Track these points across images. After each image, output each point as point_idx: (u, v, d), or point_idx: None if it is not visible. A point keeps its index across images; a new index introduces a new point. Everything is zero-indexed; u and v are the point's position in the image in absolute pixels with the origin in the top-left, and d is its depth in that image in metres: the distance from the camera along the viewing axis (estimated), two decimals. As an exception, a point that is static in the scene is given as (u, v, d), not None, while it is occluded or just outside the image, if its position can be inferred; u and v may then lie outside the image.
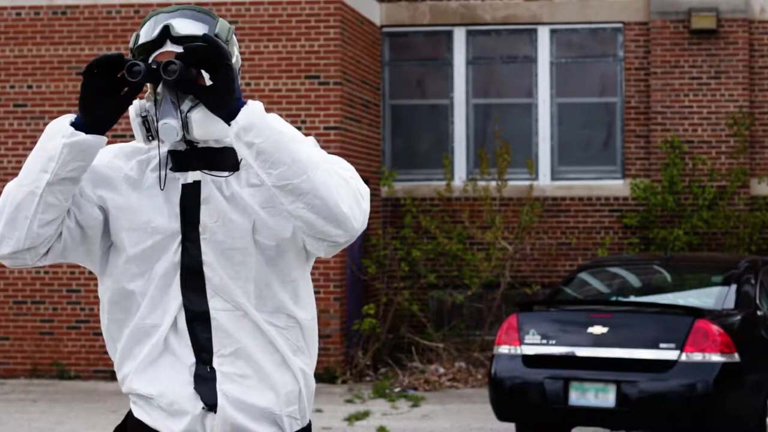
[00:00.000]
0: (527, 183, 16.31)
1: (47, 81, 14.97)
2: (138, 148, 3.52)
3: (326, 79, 14.61)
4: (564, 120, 16.77)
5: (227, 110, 3.29)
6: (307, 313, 3.54)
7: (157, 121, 3.35)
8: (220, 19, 3.47)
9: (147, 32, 3.42)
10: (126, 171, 3.48)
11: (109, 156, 3.50)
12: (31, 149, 15.25)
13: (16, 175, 15.90)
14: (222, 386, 3.41)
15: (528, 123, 16.80)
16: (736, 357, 9.46)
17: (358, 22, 15.64)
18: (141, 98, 3.43)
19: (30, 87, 14.99)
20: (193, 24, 3.42)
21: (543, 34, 16.73)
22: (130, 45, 3.47)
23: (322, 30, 14.64)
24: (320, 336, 14.55)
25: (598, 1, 16.65)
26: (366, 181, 15.70)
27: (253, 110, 3.28)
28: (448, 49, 16.93)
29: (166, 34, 3.38)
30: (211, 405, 3.40)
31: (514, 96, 16.95)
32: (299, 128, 13.80)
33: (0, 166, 15.04)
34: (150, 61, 3.35)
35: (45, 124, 14.88)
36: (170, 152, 3.47)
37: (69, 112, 14.89)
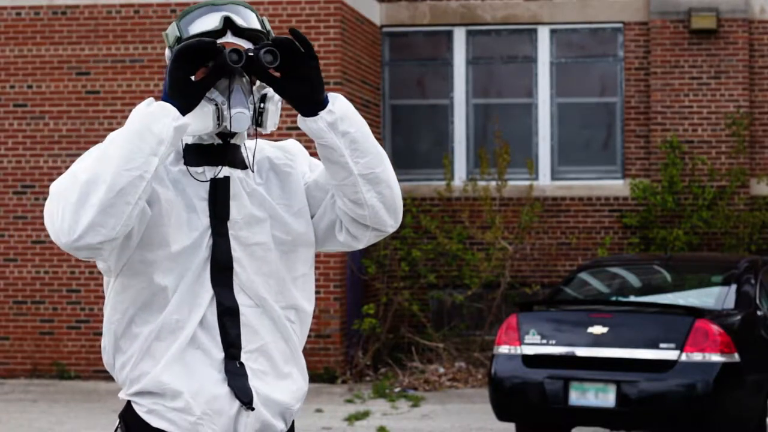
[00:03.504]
0: (527, 183, 16.30)
1: (47, 81, 14.96)
2: None
3: (326, 79, 14.60)
4: (564, 120, 16.77)
5: (317, 102, 3.37)
6: (311, 306, 3.57)
7: (230, 110, 3.34)
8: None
9: (201, 22, 3.39)
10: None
11: None
12: (31, 149, 15.34)
13: (15, 175, 15.74)
14: (252, 383, 3.40)
15: (528, 123, 16.79)
16: (736, 357, 9.46)
17: (358, 22, 15.64)
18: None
19: (30, 87, 14.99)
20: (244, 19, 3.42)
21: (543, 34, 16.73)
22: (177, 34, 3.39)
23: (322, 30, 14.64)
24: (320, 336, 14.55)
25: (598, 1, 16.65)
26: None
27: (343, 101, 3.40)
28: (448, 49, 16.93)
29: (228, 25, 3.38)
30: (247, 402, 3.38)
31: (514, 96, 16.94)
32: (299, 128, 13.83)
33: (0, 166, 15.03)
34: (246, 49, 3.33)
35: (45, 124, 14.90)
36: (190, 146, 3.45)
37: (69, 112, 14.89)
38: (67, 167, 14.74)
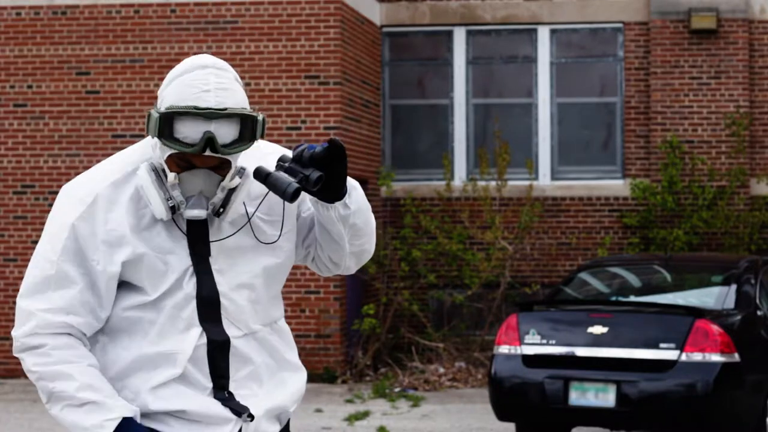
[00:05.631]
0: (527, 183, 16.30)
1: (47, 81, 14.96)
2: (115, 177, 3.38)
3: (326, 79, 14.60)
4: (564, 120, 16.77)
5: (338, 196, 3.39)
6: (282, 311, 3.60)
7: (185, 210, 3.32)
8: (258, 114, 3.37)
9: (185, 128, 3.24)
10: (126, 220, 3.35)
11: (102, 215, 3.34)
12: (31, 149, 15.28)
13: (15, 175, 15.67)
14: (244, 402, 3.42)
15: (528, 123, 16.79)
16: (736, 357, 9.45)
17: (358, 22, 15.64)
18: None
19: (30, 87, 14.99)
20: (234, 128, 3.28)
21: (543, 34, 16.73)
22: (158, 114, 3.25)
23: (322, 30, 14.64)
24: (320, 336, 14.55)
25: (598, 1, 16.65)
26: (366, 182, 15.69)
27: (359, 193, 3.44)
28: (448, 49, 16.93)
29: (208, 145, 3.24)
30: (247, 414, 3.40)
31: (514, 96, 16.94)
32: (299, 128, 13.82)
33: (0, 166, 15.03)
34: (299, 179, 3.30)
35: (45, 124, 14.88)
36: None
37: (69, 112, 14.88)
38: (67, 167, 14.76)
